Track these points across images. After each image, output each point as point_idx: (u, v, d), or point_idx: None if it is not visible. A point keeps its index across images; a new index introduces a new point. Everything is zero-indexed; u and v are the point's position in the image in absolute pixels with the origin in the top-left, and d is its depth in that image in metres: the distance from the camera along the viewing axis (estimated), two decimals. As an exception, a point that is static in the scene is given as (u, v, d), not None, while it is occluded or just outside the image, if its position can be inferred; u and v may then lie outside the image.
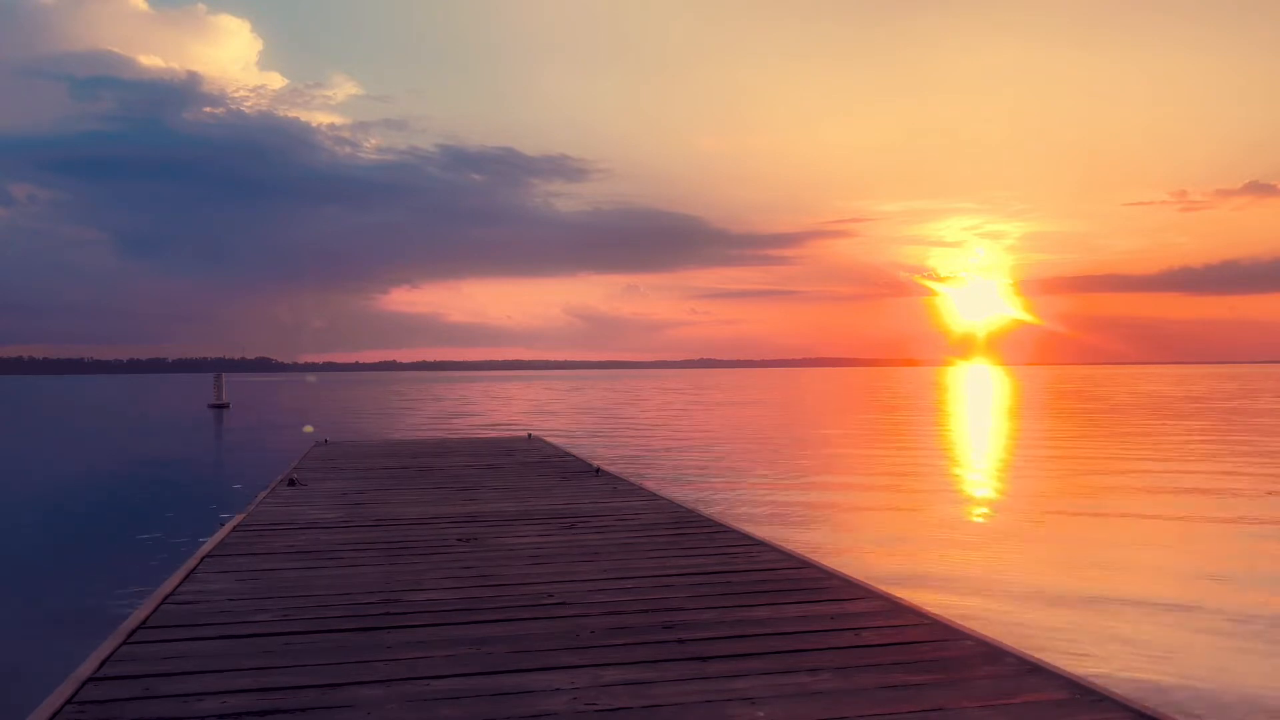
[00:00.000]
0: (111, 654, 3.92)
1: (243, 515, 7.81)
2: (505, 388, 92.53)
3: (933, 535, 10.91)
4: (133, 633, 4.24)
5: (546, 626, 4.34)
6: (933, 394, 63.65)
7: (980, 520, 12.32)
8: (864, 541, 10.48)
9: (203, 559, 5.99)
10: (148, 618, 4.51)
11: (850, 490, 15.15)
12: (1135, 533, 11.09)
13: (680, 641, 4.07)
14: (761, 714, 3.21)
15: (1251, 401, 45.37)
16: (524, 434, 18.30)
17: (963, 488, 15.75)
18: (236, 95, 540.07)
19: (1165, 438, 24.80)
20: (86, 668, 3.72)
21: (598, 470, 10.92)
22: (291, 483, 9.88)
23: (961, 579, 8.42)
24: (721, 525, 7.14)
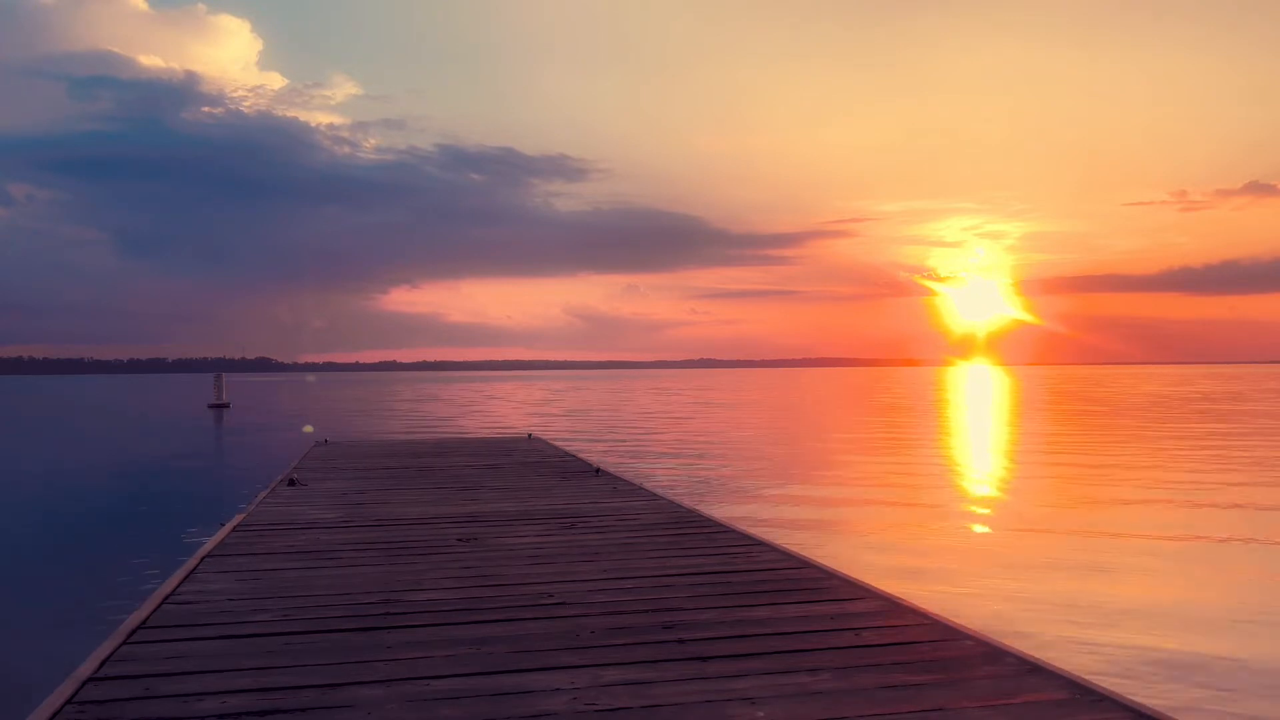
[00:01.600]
0: (111, 654, 3.92)
1: (243, 515, 7.81)
2: (505, 388, 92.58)
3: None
4: (133, 633, 4.24)
5: (546, 626, 4.33)
6: (943, 395, 62.90)
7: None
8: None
9: (203, 559, 5.99)
10: (148, 618, 4.51)
11: (879, 530, 11.82)
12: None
13: (680, 641, 4.07)
14: (761, 714, 3.21)
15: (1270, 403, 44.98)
16: (524, 434, 18.30)
17: (1014, 508, 13.48)
18: (236, 95, 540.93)
19: (1201, 442, 24.68)
20: (86, 668, 3.72)
21: (598, 470, 10.92)
22: (291, 483, 9.88)
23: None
24: (721, 525, 7.14)
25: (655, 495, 8.96)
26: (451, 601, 4.83)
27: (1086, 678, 3.58)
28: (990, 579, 8.75)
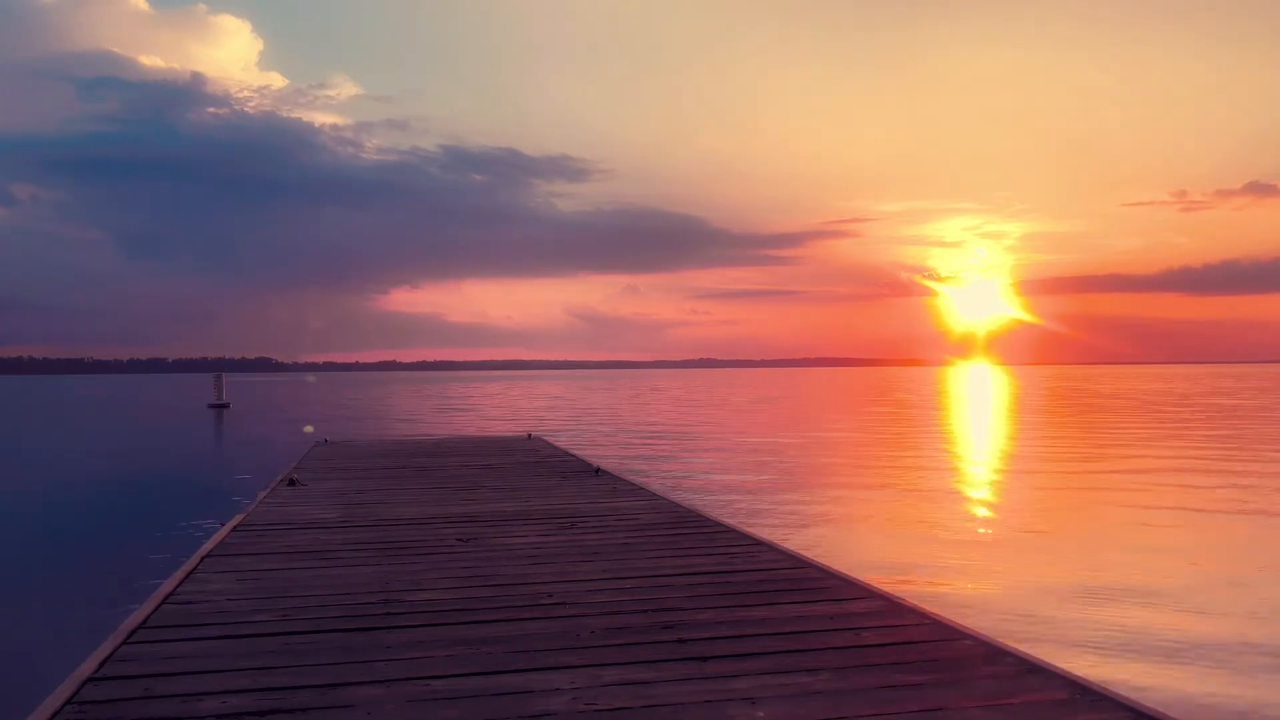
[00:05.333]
0: (111, 654, 3.92)
1: (243, 515, 7.81)
2: (510, 387, 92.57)
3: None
4: (133, 633, 4.24)
5: (546, 626, 4.34)
6: (953, 395, 62.40)
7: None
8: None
9: (203, 559, 5.99)
10: (148, 618, 4.51)
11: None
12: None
13: (680, 641, 4.07)
14: (761, 714, 3.21)
15: None
16: (524, 434, 18.30)
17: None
18: (241, 96, 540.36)
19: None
20: (86, 668, 3.72)
21: (598, 470, 10.92)
22: (291, 483, 9.88)
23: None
24: (721, 525, 7.14)
25: (655, 495, 8.96)
26: (451, 601, 4.83)
27: (1086, 678, 3.58)
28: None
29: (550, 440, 16.36)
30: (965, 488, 15.73)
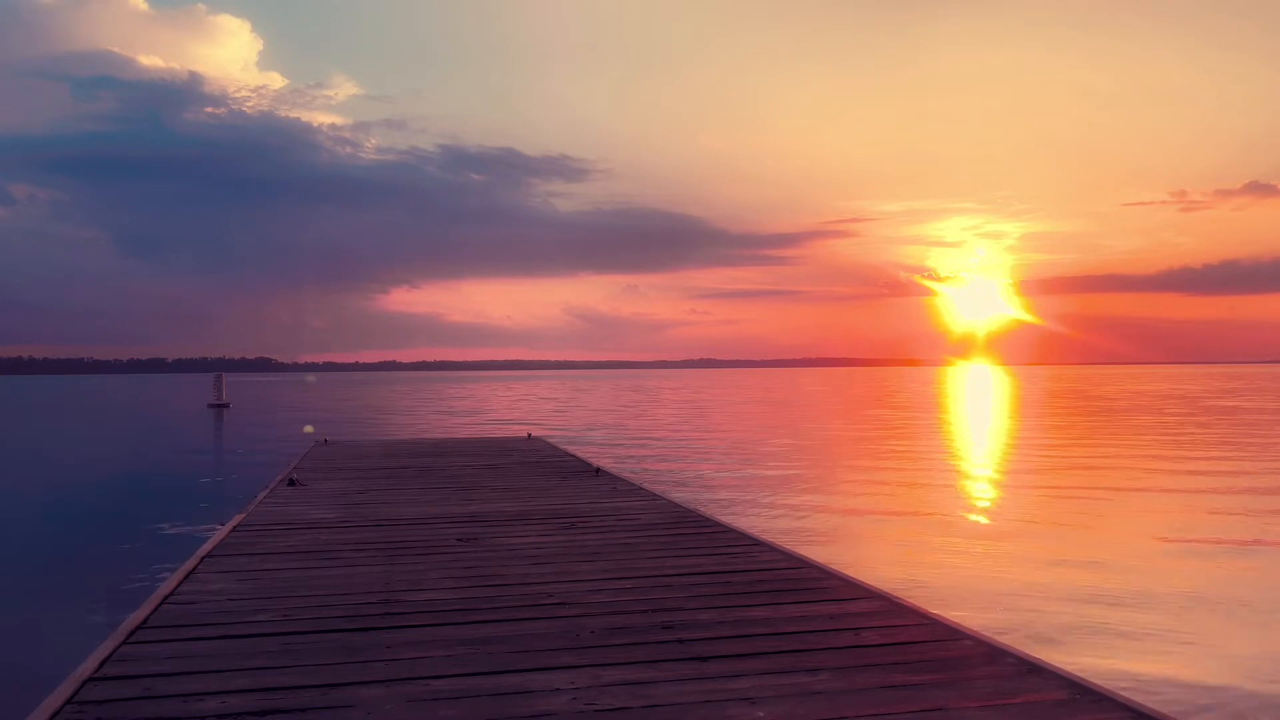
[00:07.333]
0: (111, 654, 3.92)
1: (243, 515, 7.81)
2: (510, 387, 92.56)
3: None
4: (133, 633, 4.24)
5: (546, 626, 4.33)
6: (961, 396, 61.74)
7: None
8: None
9: (203, 559, 5.99)
10: (148, 618, 4.50)
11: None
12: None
13: (680, 641, 4.07)
14: (761, 714, 3.21)
15: None
16: (524, 434, 18.30)
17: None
18: (238, 95, 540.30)
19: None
20: (86, 668, 3.72)
21: (598, 470, 10.92)
22: (291, 483, 9.88)
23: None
24: (721, 525, 7.14)
25: (655, 495, 8.95)
26: (451, 601, 4.83)
27: (1086, 677, 3.58)
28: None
29: (551, 440, 16.36)
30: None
